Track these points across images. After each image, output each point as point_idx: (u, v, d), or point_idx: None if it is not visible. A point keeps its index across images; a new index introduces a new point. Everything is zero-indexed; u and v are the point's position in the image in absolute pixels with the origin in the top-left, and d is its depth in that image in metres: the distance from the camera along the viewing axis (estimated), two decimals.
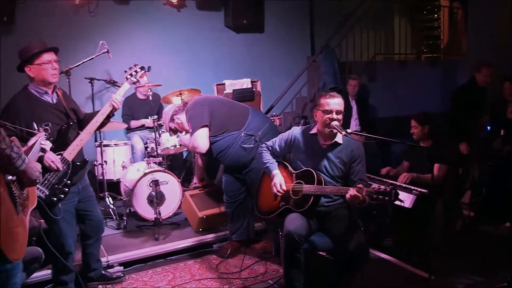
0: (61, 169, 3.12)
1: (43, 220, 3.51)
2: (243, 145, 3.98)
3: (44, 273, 3.72)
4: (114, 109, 3.46)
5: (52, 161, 3.05)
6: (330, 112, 3.20)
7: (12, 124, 2.96)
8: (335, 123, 3.18)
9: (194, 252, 4.43)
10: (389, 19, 8.61)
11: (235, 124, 4.03)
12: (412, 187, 3.99)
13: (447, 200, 4.51)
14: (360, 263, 3.22)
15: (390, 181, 4.17)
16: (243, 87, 6.12)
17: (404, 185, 4.09)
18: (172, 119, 4.28)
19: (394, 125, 6.62)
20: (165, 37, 6.81)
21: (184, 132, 4.29)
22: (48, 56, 3.20)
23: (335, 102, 3.22)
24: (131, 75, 3.61)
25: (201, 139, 3.94)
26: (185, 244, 4.44)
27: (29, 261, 3.26)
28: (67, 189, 3.21)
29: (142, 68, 3.68)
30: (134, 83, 3.65)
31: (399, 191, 2.88)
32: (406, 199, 3.82)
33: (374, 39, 7.36)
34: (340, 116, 3.22)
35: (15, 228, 2.23)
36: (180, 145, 5.05)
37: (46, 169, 3.04)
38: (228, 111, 4.13)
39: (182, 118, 4.19)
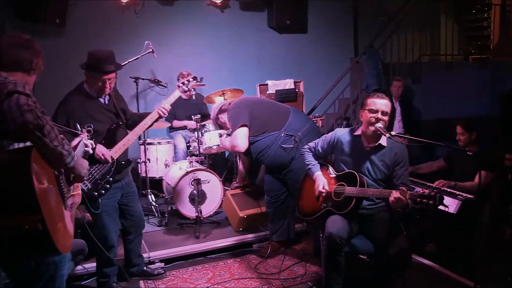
0: (110, 161, 3.29)
1: (88, 214, 3.63)
2: (282, 145, 3.99)
3: (86, 266, 3.85)
4: (160, 117, 3.55)
5: (102, 154, 3.24)
6: (376, 111, 3.16)
7: (66, 121, 3.16)
8: (379, 125, 3.13)
9: (234, 251, 4.46)
10: (435, 19, 8.42)
11: (275, 124, 4.05)
12: (457, 192, 3.88)
13: (495, 206, 4.35)
14: (401, 268, 3.16)
15: (434, 185, 4.07)
16: (286, 88, 6.11)
17: (449, 190, 3.98)
18: (217, 117, 4.38)
19: (439, 128, 6.45)
20: (208, 38, 6.90)
21: (225, 135, 4.35)
22: (109, 76, 3.30)
23: (381, 103, 3.18)
24: (183, 83, 3.69)
25: (240, 138, 3.97)
26: (225, 243, 4.47)
27: (74, 253, 3.39)
28: (108, 186, 3.32)
29: (194, 78, 3.76)
30: (185, 91, 3.74)
31: (444, 196, 2.81)
32: (451, 204, 3.72)
33: (419, 40, 7.23)
34: (385, 118, 3.17)
35: (63, 222, 2.30)
36: None
37: (91, 162, 3.15)
38: (268, 112, 4.15)
39: (225, 117, 4.26)
